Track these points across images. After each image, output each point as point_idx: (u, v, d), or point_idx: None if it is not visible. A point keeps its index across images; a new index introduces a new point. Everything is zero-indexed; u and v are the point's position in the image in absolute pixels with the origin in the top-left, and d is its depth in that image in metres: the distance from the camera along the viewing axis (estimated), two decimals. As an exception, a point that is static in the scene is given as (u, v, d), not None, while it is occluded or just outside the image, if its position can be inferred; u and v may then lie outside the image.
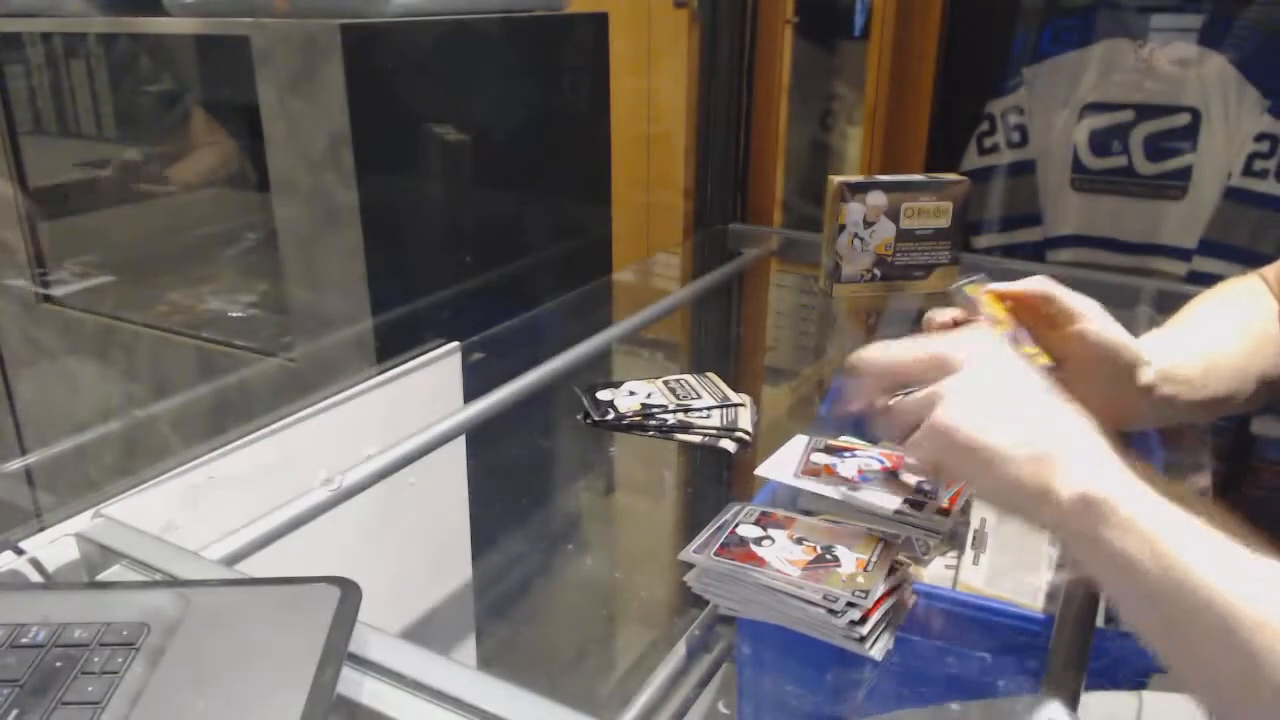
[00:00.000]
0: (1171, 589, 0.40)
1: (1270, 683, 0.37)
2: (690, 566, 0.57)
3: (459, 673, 0.46)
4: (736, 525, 0.61)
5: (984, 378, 0.51)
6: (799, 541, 0.59)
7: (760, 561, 0.57)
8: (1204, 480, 0.73)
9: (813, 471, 0.68)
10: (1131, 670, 0.58)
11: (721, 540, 0.59)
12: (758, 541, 0.59)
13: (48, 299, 1.37)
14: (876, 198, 1.06)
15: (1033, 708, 0.45)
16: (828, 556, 0.57)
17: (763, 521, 0.62)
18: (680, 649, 0.57)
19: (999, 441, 0.47)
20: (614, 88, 1.32)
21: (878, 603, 0.53)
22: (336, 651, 0.43)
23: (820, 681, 0.62)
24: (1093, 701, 0.48)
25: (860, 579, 0.55)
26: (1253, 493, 1.74)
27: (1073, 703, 0.45)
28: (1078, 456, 0.46)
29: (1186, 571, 0.40)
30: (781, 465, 0.70)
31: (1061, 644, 0.50)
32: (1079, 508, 0.44)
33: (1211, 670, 0.40)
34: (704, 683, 0.60)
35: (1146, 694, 0.57)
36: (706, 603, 0.56)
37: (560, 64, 1.26)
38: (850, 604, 0.52)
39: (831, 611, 0.52)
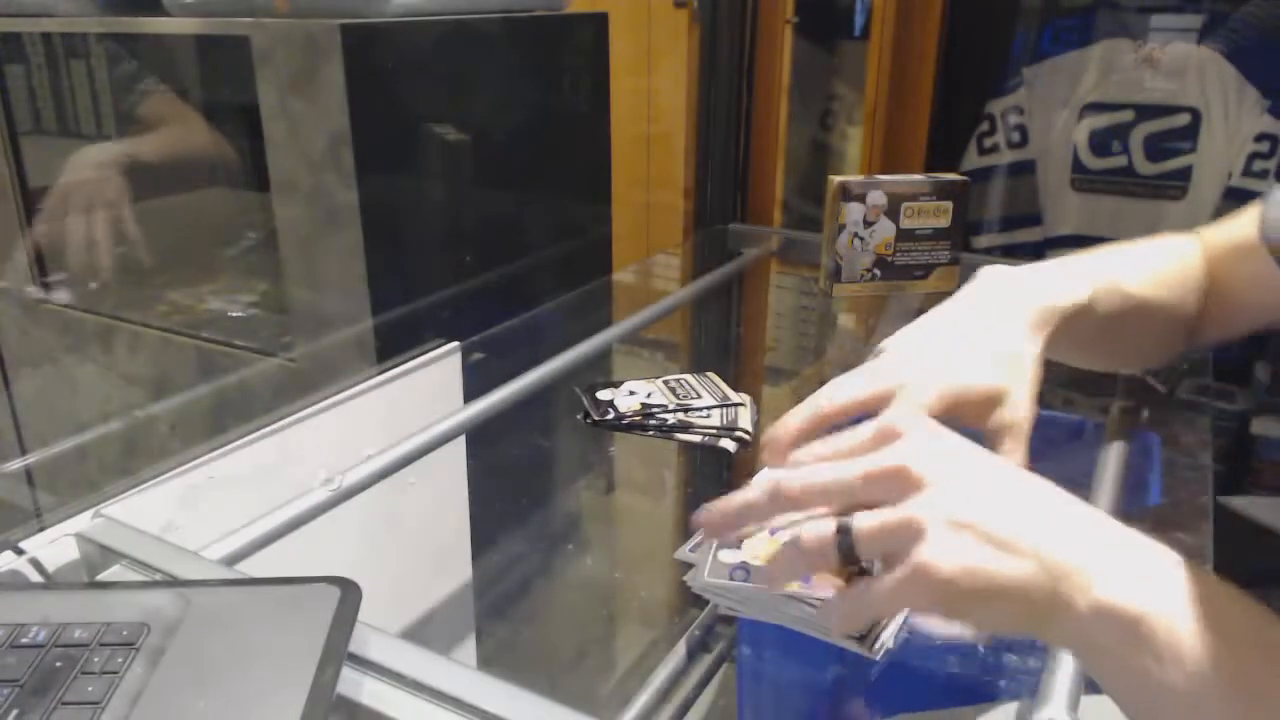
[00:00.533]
0: None
1: None
2: (689, 566, 0.57)
3: (459, 673, 0.46)
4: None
5: (966, 494, 0.40)
6: None
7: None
8: (1204, 480, 0.73)
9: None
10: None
11: (712, 556, 0.59)
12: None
13: (47, 299, 1.37)
14: (876, 198, 1.06)
15: (1033, 709, 0.45)
16: None
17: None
18: (680, 649, 0.57)
19: (1011, 575, 0.38)
20: (614, 88, 1.32)
21: None
22: (336, 651, 0.43)
23: (820, 681, 0.62)
24: (1093, 702, 0.47)
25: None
26: (1253, 493, 1.74)
27: (1073, 703, 0.45)
28: (1105, 564, 0.38)
29: (1232, 712, 0.35)
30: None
31: (1060, 650, 0.50)
32: (1099, 622, 0.37)
33: None
34: (704, 683, 0.60)
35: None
36: (706, 603, 0.56)
37: (560, 64, 1.26)
38: None
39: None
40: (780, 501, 0.44)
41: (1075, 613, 0.37)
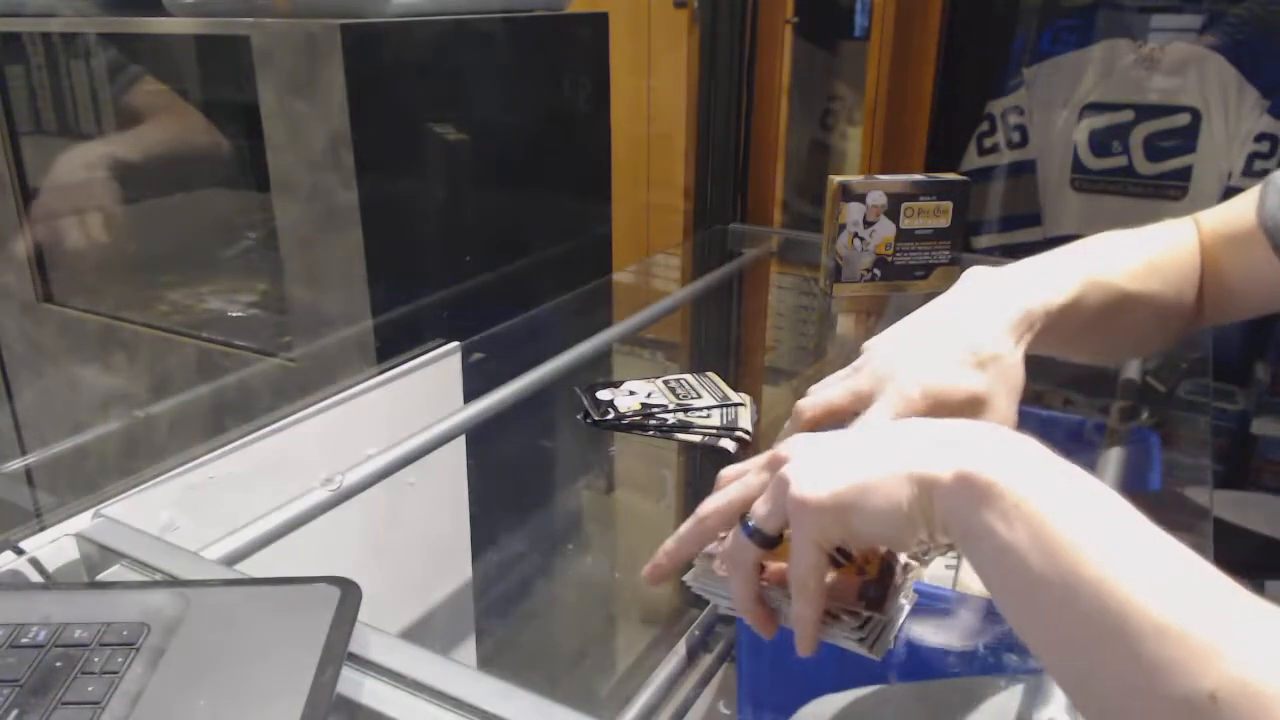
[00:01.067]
0: (1060, 588, 0.35)
1: (1166, 695, 0.32)
2: (689, 565, 0.57)
3: (459, 673, 0.46)
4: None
5: (821, 440, 0.46)
6: None
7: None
8: (1204, 480, 0.73)
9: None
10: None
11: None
12: None
13: (48, 298, 1.37)
14: (876, 198, 1.06)
15: (1033, 709, 0.45)
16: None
17: None
18: (680, 649, 0.57)
19: (876, 472, 0.41)
20: (614, 88, 1.32)
21: (879, 603, 0.53)
22: (336, 651, 0.43)
23: (820, 682, 0.62)
24: None
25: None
26: (1253, 493, 1.74)
27: (1072, 713, 0.45)
28: (955, 441, 0.41)
29: (1080, 567, 0.35)
30: None
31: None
32: (957, 491, 0.38)
33: (1099, 679, 0.34)
34: (704, 683, 0.60)
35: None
36: (706, 603, 0.56)
37: (560, 64, 1.26)
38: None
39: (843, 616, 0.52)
40: (704, 526, 0.49)
41: (943, 487, 0.39)
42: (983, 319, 0.57)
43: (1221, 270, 0.67)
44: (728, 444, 0.82)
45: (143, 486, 0.65)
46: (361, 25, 0.97)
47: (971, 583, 0.67)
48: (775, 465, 0.45)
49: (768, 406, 0.93)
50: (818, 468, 0.43)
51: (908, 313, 0.61)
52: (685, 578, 0.53)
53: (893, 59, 1.70)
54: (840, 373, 0.58)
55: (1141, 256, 0.65)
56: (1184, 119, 1.65)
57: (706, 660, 0.60)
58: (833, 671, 0.62)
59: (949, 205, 1.07)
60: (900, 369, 0.55)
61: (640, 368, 1.03)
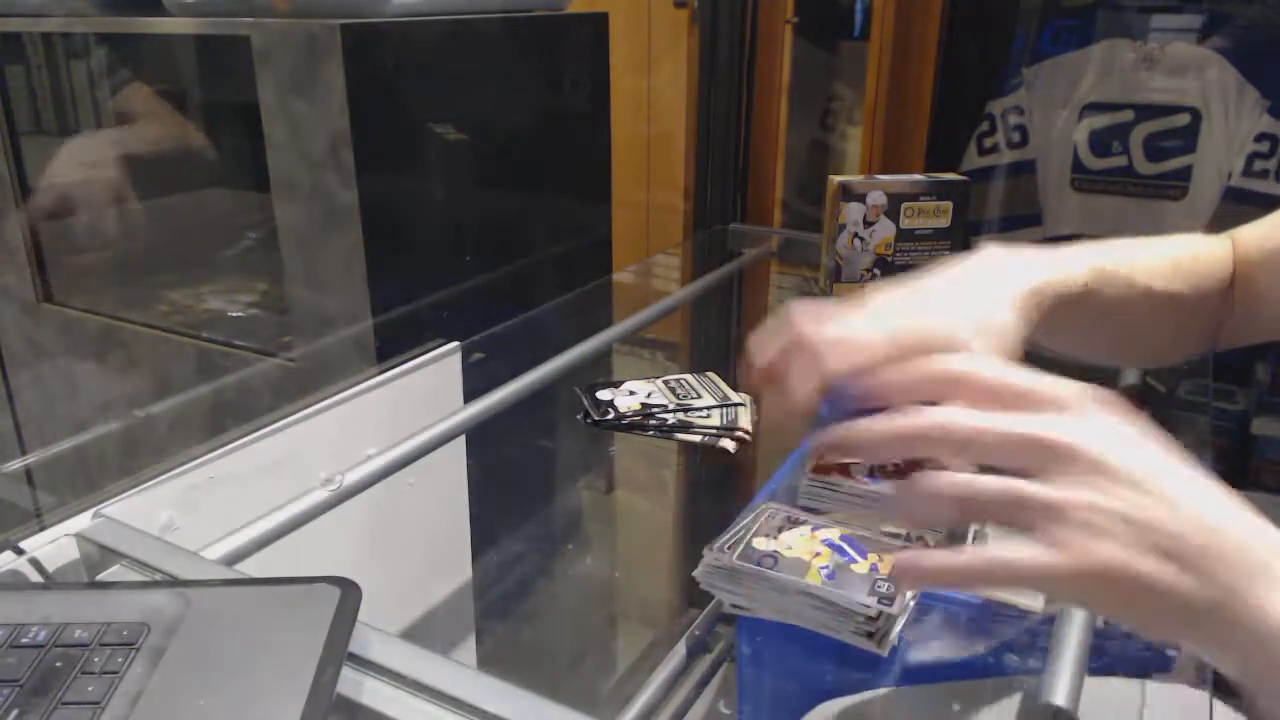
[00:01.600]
0: None
1: None
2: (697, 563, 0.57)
3: (459, 673, 0.46)
4: (758, 526, 0.61)
5: (1142, 490, 0.37)
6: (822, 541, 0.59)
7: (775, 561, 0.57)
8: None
9: (823, 470, 0.68)
10: (1132, 669, 0.58)
11: (746, 541, 0.59)
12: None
13: (48, 298, 1.37)
14: (876, 198, 1.06)
15: (1039, 690, 0.45)
16: (842, 556, 0.57)
17: (788, 521, 0.61)
18: (680, 649, 0.57)
19: (1175, 582, 0.35)
20: (614, 88, 1.32)
21: (891, 599, 0.53)
22: (336, 651, 0.43)
23: (821, 681, 0.62)
24: (1094, 686, 0.47)
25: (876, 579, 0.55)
26: (1253, 493, 1.74)
27: (1074, 703, 0.45)
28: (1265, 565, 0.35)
29: None
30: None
31: (1062, 644, 0.50)
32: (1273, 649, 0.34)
33: None
34: (704, 683, 0.60)
35: (1149, 684, 0.57)
36: (706, 603, 0.56)
37: (560, 64, 1.26)
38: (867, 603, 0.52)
39: (854, 611, 0.52)
40: (945, 439, 0.40)
41: (1242, 636, 0.35)
42: (988, 287, 0.54)
43: (1258, 284, 0.64)
44: (728, 444, 0.82)
45: (143, 486, 0.65)
46: (361, 25, 0.97)
47: (972, 583, 0.67)
48: (1074, 463, 0.37)
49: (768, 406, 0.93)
50: (1127, 529, 0.36)
51: None
52: (695, 573, 0.53)
53: (893, 59, 1.70)
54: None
55: (1166, 258, 0.63)
56: (1184, 119, 1.65)
57: (706, 660, 0.60)
58: (831, 671, 0.62)
59: (949, 205, 1.06)
60: (887, 314, 0.52)
61: (640, 368, 1.03)
